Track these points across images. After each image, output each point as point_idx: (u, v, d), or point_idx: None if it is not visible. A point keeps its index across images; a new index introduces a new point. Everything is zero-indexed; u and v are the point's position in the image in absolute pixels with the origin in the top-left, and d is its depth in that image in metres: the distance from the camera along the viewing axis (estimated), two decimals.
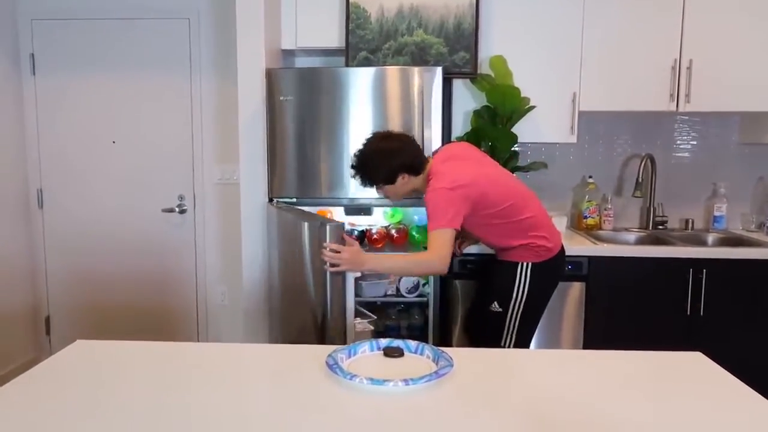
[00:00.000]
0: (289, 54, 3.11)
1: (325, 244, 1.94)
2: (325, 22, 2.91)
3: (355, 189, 2.64)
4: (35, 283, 3.57)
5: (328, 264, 1.94)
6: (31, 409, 1.11)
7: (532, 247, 2.18)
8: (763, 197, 3.20)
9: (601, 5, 2.86)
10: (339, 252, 1.93)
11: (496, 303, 2.19)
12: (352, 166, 2.13)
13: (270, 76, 2.62)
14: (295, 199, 2.68)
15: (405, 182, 2.15)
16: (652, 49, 2.87)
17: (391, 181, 2.13)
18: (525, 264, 2.17)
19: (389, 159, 2.10)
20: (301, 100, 2.61)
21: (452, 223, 2.02)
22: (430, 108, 2.59)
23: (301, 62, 3.27)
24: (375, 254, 2.13)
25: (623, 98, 2.92)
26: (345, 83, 2.59)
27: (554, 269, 2.25)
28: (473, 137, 2.79)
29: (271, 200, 2.70)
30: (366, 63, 2.81)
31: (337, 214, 2.88)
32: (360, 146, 2.14)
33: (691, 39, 2.85)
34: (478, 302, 2.29)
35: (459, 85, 2.96)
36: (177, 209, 3.46)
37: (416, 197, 2.25)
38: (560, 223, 3.14)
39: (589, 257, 2.70)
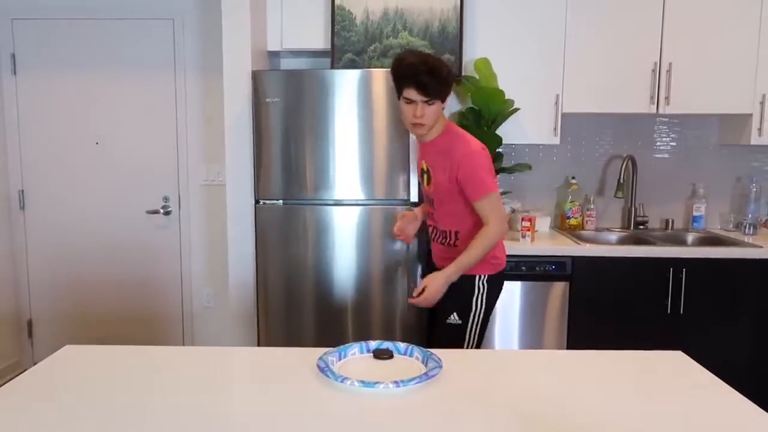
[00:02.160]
0: (274, 55, 3.11)
1: (412, 300, 2.02)
2: (311, 24, 2.92)
3: (342, 190, 2.65)
4: (17, 286, 3.53)
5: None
6: (22, 414, 1.11)
7: (488, 258, 2.08)
8: (741, 197, 3.27)
9: (583, 9, 2.90)
10: (422, 292, 1.99)
11: (455, 315, 2.09)
12: (413, 67, 1.90)
13: (256, 78, 2.62)
14: (281, 201, 2.69)
15: (440, 109, 2.01)
16: (633, 51, 2.92)
17: (444, 99, 1.99)
18: (482, 276, 2.10)
19: (452, 75, 1.99)
20: (287, 102, 2.61)
21: (496, 186, 2.03)
22: None
23: (287, 64, 3.27)
24: (452, 265, 2.00)
25: (605, 100, 2.96)
26: (331, 86, 2.60)
27: (503, 279, 2.19)
28: None
29: (257, 201, 2.70)
30: (351, 65, 2.83)
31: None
32: (413, 53, 1.97)
33: (671, 42, 2.91)
34: (435, 316, 2.16)
35: None
36: (162, 210, 3.44)
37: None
38: (544, 223, 3.19)
39: (573, 257, 2.74)
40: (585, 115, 3.21)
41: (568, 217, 3.24)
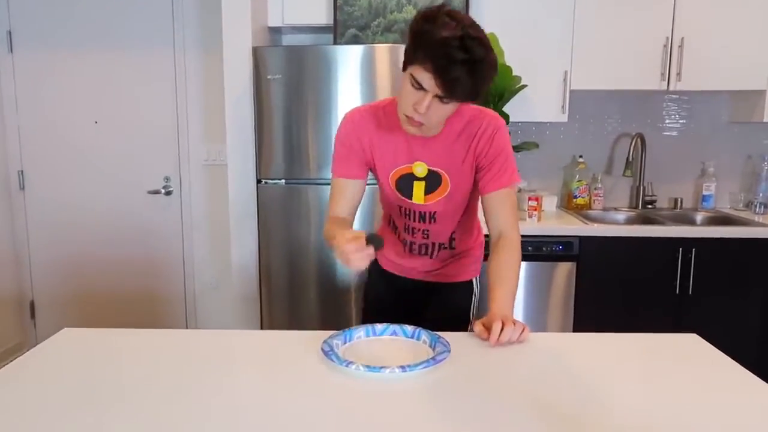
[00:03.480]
0: (275, 31, 3.04)
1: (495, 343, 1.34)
2: (314, 0, 2.84)
3: None
4: (19, 267, 3.51)
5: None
6: (21, 398, 1.08)
7: (479, 257, 1.75)
8: (751, 176, 3.21)
9: None
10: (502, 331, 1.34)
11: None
12: (447, 49, 1.21)
13: (257, 54, 2.56)
14: (283, 181, 2.64)
15: (454, 110, 1.38)
16: (643, 27, 2.84)
17: (469, 102, 1.38)
18: (477, 278, 1.75)
19: (494, 72, 1.30)
20: (289, 79, 2.55)
21: None
22: None
23: (289, 40, 3.20)
24: (503, 301, 1.40)
25: (614, 77, 2.89)
26: (333, 62, 2.53)
27: None
28: None
29: (259, 181, 2.66)
30: (354, 40, 2.76)
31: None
32: (453, 20, 1.24)
33: (684, 17, 2.83)
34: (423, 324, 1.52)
35: None
36: (163, 191, 3.40)
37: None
38: (551, 202, 3.14)
39: (580, 237, 2.69)
40: (593, 93, 3.14)
41: (575, 197, 3.19)
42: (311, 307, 2.71)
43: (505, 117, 2.72)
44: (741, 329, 2.74)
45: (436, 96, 1.28)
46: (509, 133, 2.87)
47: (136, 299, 3.51)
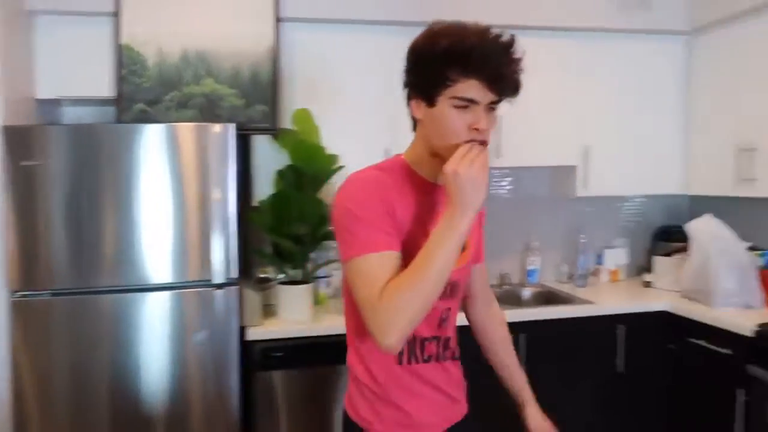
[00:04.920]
0: (51, 104, 2.54)
1: None
2: (94, 68, 2.41)
3: (151, 269, 2.16)
4: None
5: None
6: None
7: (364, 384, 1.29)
8: (572, 249, 3.25)
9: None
10: None
11: None
12: (488, 52, 1.12)
13: (9, 135, 2.05)
14: (49, 292, 2.11)
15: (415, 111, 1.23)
16: None
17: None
18: None
19: None
20: (61, 163, 2.06)
21: None
22: (225, 169, 2.21)
23: (72, 113, 2.70)
24: (528, 390, 1.51)
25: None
26: (117, 143, 2.10)
27: None
28: (277, 202, 2.45)
29: (15, 293, 2.10)
30: (143, 117, 2.36)
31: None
32: (467, 29, 1.15)
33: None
34: None
35: (263, 142, 2.62)
36: None
37: None
38: None
39: None
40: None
41: None
42: None
43: (321, 204, 2.44)
44: (574, 413, 2.66)
45: (489, 104, 1.16)
46: (325, 218, 2.60)
47: None
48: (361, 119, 2.67)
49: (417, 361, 1.24)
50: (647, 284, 3.08)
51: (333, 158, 2.55)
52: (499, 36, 1.14)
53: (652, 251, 3.18)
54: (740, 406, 2.29)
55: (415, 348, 1.24)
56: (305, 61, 2.61)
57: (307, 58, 2.60)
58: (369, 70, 2.66)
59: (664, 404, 2.76)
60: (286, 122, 2.57)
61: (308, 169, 2.46)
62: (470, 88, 1.12)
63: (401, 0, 2.64)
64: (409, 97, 1.22)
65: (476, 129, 1.14)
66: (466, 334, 1.48)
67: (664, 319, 2.72)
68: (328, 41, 2.62)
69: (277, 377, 2.40)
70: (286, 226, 2.45)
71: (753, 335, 2.24)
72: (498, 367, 1.49)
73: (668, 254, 3.02)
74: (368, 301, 1.10)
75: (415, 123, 1.26)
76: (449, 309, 1.28)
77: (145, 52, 2.36)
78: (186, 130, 2.17)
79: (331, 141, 2.60)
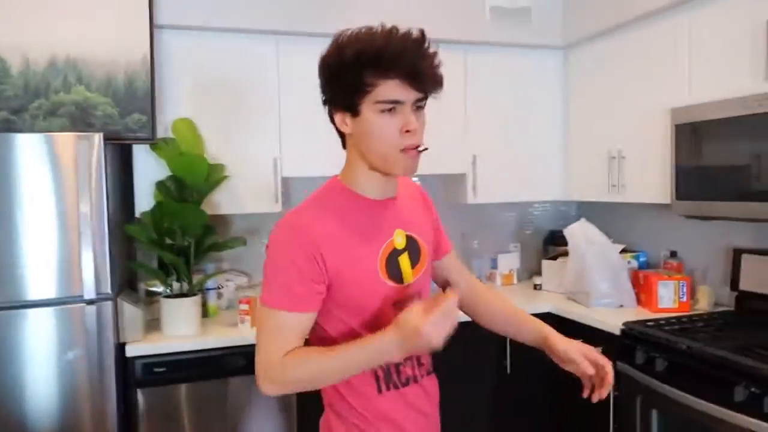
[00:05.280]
0: None
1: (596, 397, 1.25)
2: None
3: (21, 286, 2.03)
4: None
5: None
6: None
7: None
8: (467, 253, 3.33)
9: (293, 71, 2.67)
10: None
11: None
12: (406, 48, 1.12)
13: None
14: None
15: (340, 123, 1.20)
16: None
17: None
18: None
19: None
20: None
21: None
22: (96, 181, 2.12)
23: None
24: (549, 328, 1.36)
25: (322, 164, 2.77)
26: None
27: None
28: (157, 214, 2.37)
29: None
30: (6, 126, 2.23)
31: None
32: (373, 31, 1.13)
33: None
34: None
35: (144, 152, 2.53)
36: None
37: None
38: None
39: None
40: (310, 179, 2.99)
41: None
42: None
43: (203, 215, 2.38)
44: None
45: (417, 102, 1.14)
46: (213, 229, 2.56)
47: None
48: (246, 128, 2.64)
49: (396, 387, 1.20)
50: (537, 287, 3.20)
51: (218, 168, 2.51)
52: (407, 33, 1.12)
53: (543, 255, 3.31)
54: (611, 402, 2.40)
55: (391, 374, 1.20)
56: (186, 70, 2.55)
57: (187, 66, 2.55)
58: (251, 79, 2.63)
59: (548, 403, 2.86)
60: (169, 132, 2.50)
61: (189, 179, 2.40)
62: (391, 88, 1.10)
63: (275, 10, 2.61)
64: (332, 113, 1.19)
65: (408, 131, 1.13)
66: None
67: (549, 320, 2.79)
68: (207, 49, 2.58)
69: (161, 393, 2.32)
70: (167, 238, 2.38)
71: (620, 333, 2.37)
72: (514, 329, 1.41)
73: (554, 258, 3.15)
74: (266, 353, 1.12)
75: (344, 139, 1.23)
76: None
77: (9, 58, 2.23)
78: (50, 140, 2.07)
79: (218, 150, 2.56)
